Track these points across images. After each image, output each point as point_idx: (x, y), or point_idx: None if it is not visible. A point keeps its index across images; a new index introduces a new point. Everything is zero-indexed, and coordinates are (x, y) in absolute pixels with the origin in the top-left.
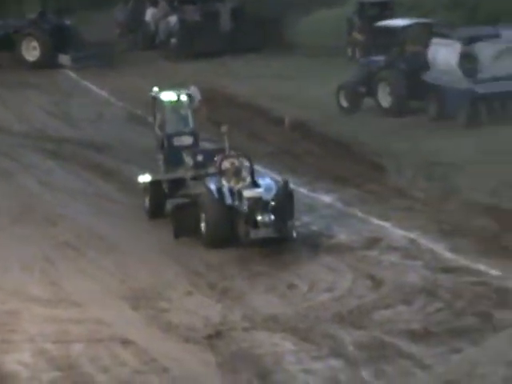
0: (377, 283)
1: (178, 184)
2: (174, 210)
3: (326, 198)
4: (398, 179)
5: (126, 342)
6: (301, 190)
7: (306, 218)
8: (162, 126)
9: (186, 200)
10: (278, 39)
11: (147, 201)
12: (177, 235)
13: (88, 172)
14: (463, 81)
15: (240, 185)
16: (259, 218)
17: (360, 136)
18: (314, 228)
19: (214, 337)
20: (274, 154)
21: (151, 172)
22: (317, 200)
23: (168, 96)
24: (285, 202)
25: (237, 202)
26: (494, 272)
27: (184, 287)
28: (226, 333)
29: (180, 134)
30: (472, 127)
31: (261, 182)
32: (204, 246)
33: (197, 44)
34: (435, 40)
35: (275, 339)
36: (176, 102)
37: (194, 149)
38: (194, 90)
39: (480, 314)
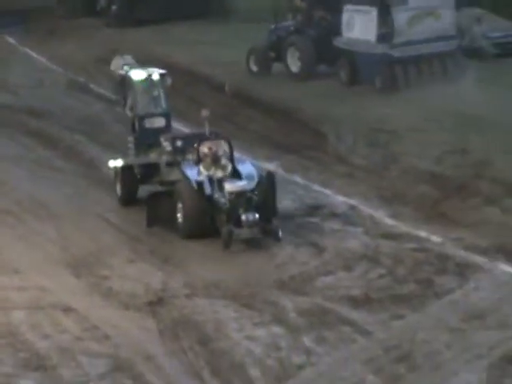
0: (318, 250)
1: (151, 169)
2: (149, 198)
3: (268, 165)
4: (338, 146)
5: (67, 310)
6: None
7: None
8: (132, 107)
9: (160, 187)
10: (220, 5)
11: (119, 187)
12: (149, 224)
13: (28, 139)
14: (379, 46)
15: (220, 173)
16: (243, 217)
17: (299, 102)
18: None
19: (156, 303)
20: (215, 121)
21: (123, 156)
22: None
23: (138, 75)
24: (269, 195)
25: (217, 194)
26: (435, 238)
27: (125, 254)
28: (168, 299)
29: (152, 115)
30: (389, 91)
31: (241, 168)
32: (180, 237)
33: (138, 11)
34: (349, 6)
35: (217, 306)
36: (147, 81)
37: (172, 134)
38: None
39: (421, 280)
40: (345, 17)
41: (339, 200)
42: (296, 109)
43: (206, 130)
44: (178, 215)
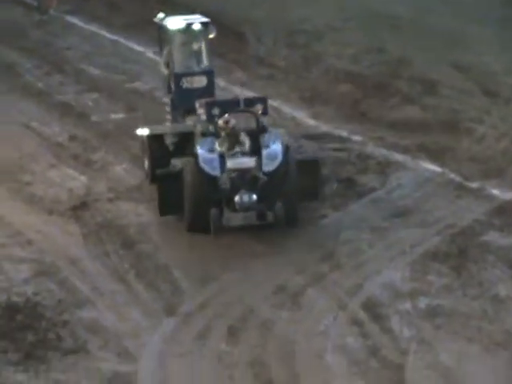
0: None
1: (186, 140)
2: (158, 181)
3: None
4: (259, 48)
5: None
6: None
7: None
8: (168, 63)
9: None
10: None
11: (146, 160)
12: (162, 213)
13: None
14: None
15: (235, 150)
16: (236, 198)
17: (221, 6)
18: None
19: (79, 208)
20: (135, 25)
21: (151, 124)
22: None
23: (176, 24)
24: (284, 177)
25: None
26: (356, 138)
27: (48, 160)
28: (91, 204)
29: (191, 73)
30: None
31: (265, 147)
32: (185, 230)
33: None
34: None
35: (140, 209)
36: (186, 31)
37: (210, 98)
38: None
39: (343, 179)
40: None
41: None
42: (218, 12)
43: (241, 97)
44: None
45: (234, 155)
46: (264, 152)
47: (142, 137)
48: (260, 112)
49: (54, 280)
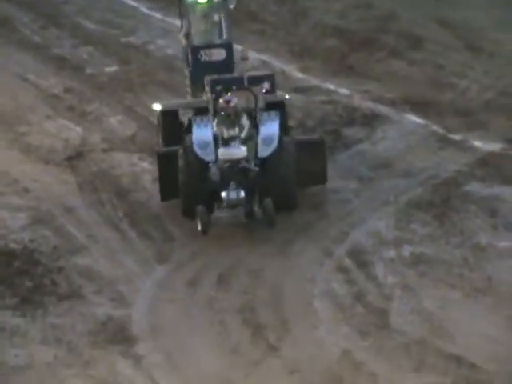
0: None
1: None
2: (159, 162)
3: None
4: (249, 3)
5: None
6: (156, 15)
7: (161, 42)
8: (187, 35)
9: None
10: None
11: (159, 136)
12: (163, 197)
13: None
14: None
15: (232, 133)
16: (223, 194)
17: None
18: (169, 51)
19: (74, 158)
20: None
21: (165, 99)
22: (171, 24)
23: None
24: (281, 172)
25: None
26: (343, 91)
27: (44, 111)
28: (86, 154)
29: (209, 46)
30: None
31: (263, 129)
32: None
33: None
34: None
35: (133, 159)
36: (206, 2)
37: (213, 76)
38: None
39: (330, 131)
40: None
41: (251, 56)
42: None
43: (245, 75)
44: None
45: (227, 142)
46: (259, 137)
47: (156, 112)
48: (265, 90)
49: (50, 227)
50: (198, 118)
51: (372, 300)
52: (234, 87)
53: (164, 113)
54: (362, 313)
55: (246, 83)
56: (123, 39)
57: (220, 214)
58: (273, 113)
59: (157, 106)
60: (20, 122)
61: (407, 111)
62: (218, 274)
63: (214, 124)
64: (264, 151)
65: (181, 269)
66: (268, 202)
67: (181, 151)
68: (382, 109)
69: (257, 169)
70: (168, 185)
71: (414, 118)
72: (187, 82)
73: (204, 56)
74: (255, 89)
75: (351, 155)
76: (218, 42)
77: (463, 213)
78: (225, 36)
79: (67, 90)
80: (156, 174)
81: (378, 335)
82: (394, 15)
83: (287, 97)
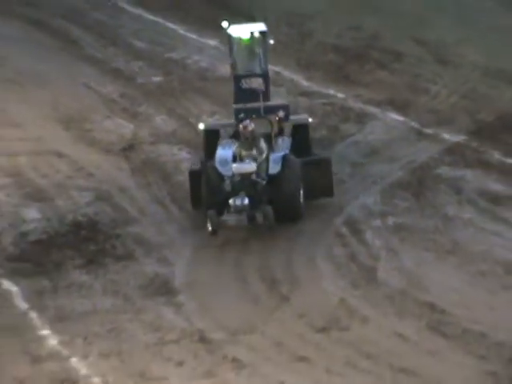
0: None
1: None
2: (190, 178)
3: (212, 42)
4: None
5: (60, 155)
6: (192, 36)
7: (196, 57)
8: (233, 65)
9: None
10: None
11: (203, 151)
12: (194, 206)
13: (26, 25)
14: None
15: (250, 153)
16: (230, 201)
17: None
18: (203, 64)
19: (128, 149)
20: (170, 9)
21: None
22: (204, 43)
23: (238, 31)
24: (287, 187)
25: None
26: (340, 95)
27: (103, 112)
28: (137, 146)
29: (250, 75)
30: None
31: (275, 153)
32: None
33: None
34: None
35: (174, 150)
36: (248, 39)
37: (237, 104)
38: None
39: (329, 127)
40: None
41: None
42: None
43: (261, 105)
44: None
45: (242, 160)
46: (271, 156)
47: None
48: (278, 118)
49: (109, 203)
50: (224, 141)
51: (363, 259)
52: (254, 115)
53: (206, 131)
54: (355, 269)
55: (262, 112)
56: (166, 55)
57: (227, 217)
58: (286, 138)
59: (201, 126)
60: (85, 120)
61: (390, 110)
62: (242, 238)
63: (236, 145)
64: (273, 169)
65: (212, 236)
66: (268, 208)
67: (206, 167)
68: (371, 109)
69: (264, 182)
70: (198, 196)
71: (395, 116)
72: (233, 105)
73: (244, 84)
74: (271, 117)
75: (346, 145)
76: (258, 71)
77: (435, 191)
78: (263, 66)
79: (122, 96)
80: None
81: (367, 287)
82: (379, 35)
83: (310, 119)
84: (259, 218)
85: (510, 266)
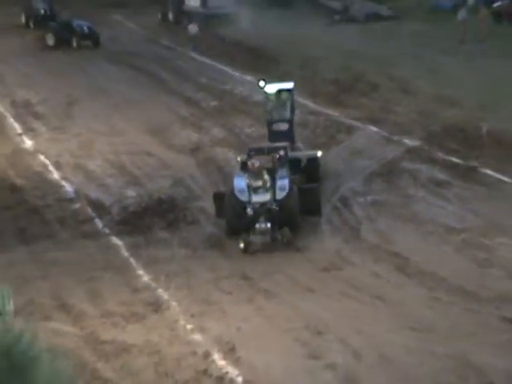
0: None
1: None
2: (214, 197)
3: (249, 78)
4: (283, 67)
5: (149, 154)
6: (236, 74)
7: (240, 88)
8: (267, 113)
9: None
10: None
11: None
12: (218, 216)
13: (127, 68)
14: (201, 8)
15: (259, 184)
16: (257, 225)
17: (256, 38)
18: (245, 93)
19: (195, 150)
20: (222, 56)
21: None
22: (245, 79)
23: (271, 89)
24: (290, 207)
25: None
26: (335, 114)
27: (178, 125)
28: (201, 148)
29: (278, 120)
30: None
31: (278, 181)
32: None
33: None
34: None
35: (225, 151)
36: (277, 94)
37: (251, 146)
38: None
39: (328, 135)
40: None
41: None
42: (262, 48)
43: (266, 145)
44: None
45: (256, 190)
46: (277, 186)
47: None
48: (278, 156)
49: (182, 186)
50: (239, 173)
51: (351, 224)
52: (260, 153)
53: (241, 163)
54: (346, 230)
55: (266, 151)
56: (220, 87)
57: (254, 238)
58: (284, 171)
59: (238, 158)
60: (167, 131)
61: (369, 124)
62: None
63: (246, 177)
64: (279, 195)
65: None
66: (286, 230)
67: (228, 194)
68: (356, 123)
69: (277, 208)
70: (220, 211)
71: (373, 128)
72: None
73: (274, 127)
74: (274, 155)
75: (340, 148)
76: (285, 117)
77: (399, 178)
78: (288, 114)
79: (191, 115)
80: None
81: (354, 242)
82: (363, 73)
83: (319, 154)
84: (279, 237)
85: (448, 228)
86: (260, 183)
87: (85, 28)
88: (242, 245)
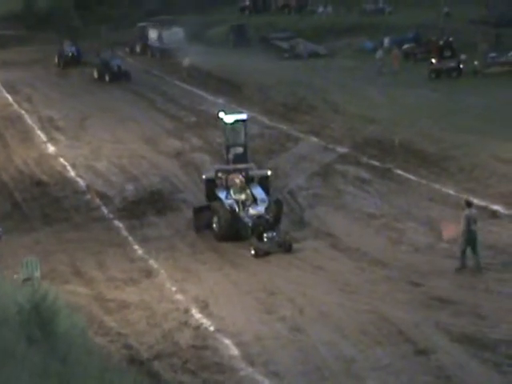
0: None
1: None
2: (194, 211)
3: (221, 101)
4: (247, 92)
5: (143, 158)
6: (210, 97)
7: (212, 109)
8: (226, 139)
9: (202, 204)
10: None
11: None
12: (196, 230)
13: (130, 93)
14: (156, 44)
15: (243, 197)
16: (265, 235)
17: (224, 71)
18: (214, 112)
19: (178, 155)
20: (199, 84)
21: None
22: (217, 101)
23: (228, 119)
24: (277, 216)
25: (242, 213)
26: (285, 128)
27: (165, 136)
28: (183, 153)
29: (235, 145)
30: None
31: (255, 193)
32: (215, 240)
33: None
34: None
35: (203, 155)
36: (234, 123)
37: (218, 166)
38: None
39: (280, 144)
40: (150, 33)
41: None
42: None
43: (231, 167)
44: (214, 225)
45: (244, 203)
46: (258, 199)
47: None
48: (246, 174)
49: (168, 182)
50: (219, 188)
51: (296, 212)
52: (227, 173)
53: (206, 180)
54: (293, 217)
55: (231, 171)
56: (197, 107)
57: (263, 246)
58: (256, 186)
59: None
60: (156, 140)
61: (311, 136)
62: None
63: (231, 192)
64: (261, 206)
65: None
66: (289, 237)
67: (218, 207)
68: (301, 135)
69: (271, 218)
70: (199, 225)
71: (314, 139)
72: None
73: (232, 150)
74: (242, 173)
75: (288, 155)
76: (241, 142)
77: (333, 177)
78: (242, 139)
79: (175, 128)
80: (216, 161)
81: (299, 227)
82: (305, 98)
83: (269, 173)
84: (282, 243)
85: (370, 215)
86: (244, 197)
87: (120, 66)
88: (253, 251)
